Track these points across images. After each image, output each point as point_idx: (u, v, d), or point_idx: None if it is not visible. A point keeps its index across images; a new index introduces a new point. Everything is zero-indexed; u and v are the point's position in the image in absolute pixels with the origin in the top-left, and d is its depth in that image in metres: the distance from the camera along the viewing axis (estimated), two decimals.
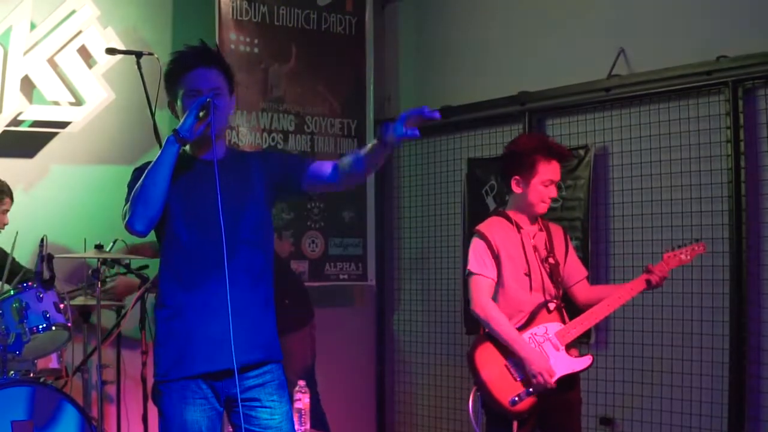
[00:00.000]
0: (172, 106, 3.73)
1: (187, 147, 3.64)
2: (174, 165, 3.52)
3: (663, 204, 5.58)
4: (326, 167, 3.69)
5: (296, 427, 4.23)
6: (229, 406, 3.61)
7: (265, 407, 3.59)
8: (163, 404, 3.56)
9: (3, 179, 5.56)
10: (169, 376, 3.54)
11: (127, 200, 3.57)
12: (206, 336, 3.52)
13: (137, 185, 3.53)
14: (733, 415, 5.18)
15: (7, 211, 5.54)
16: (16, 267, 5.42)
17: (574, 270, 4.81)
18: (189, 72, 3.62)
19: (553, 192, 4.64)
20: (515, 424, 4.51)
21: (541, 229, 4.74)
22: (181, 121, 3.54)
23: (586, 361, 4.61)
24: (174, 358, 3.55)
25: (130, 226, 3.51)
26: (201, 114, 3.49)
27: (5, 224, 5.52)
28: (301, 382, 4.95)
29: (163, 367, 3.57)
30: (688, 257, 4.73)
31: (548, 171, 4.59)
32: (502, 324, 4.54)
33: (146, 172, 3.53)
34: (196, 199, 3.59)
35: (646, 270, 4.65)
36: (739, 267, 5.18)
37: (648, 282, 4.64)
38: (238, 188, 3.61)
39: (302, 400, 4.88)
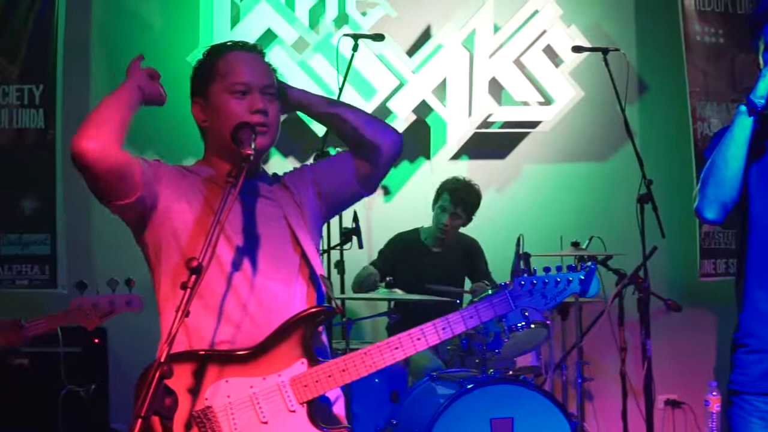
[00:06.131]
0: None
1: None
2: (750, 140, 2.92)
3: None
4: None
5: None
6: None
7: None
8: (731, 418, 3.08)
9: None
10: (744, 388, 3.04)
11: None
12: None
13: (708, 163, 2.99)
14: None
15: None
16: None
17: None
18: None
19: None
20: None
21: None
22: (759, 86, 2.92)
23: None
24: (756, 370, 3.01)
25: (698, 212, 2.99)
26: None
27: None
28: None
29: (738, 375, 3.07)
30: None
31: None
32: None
33: (718, 148, 2.97)
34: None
35: None
36: None
37: None
38: None
39: None
